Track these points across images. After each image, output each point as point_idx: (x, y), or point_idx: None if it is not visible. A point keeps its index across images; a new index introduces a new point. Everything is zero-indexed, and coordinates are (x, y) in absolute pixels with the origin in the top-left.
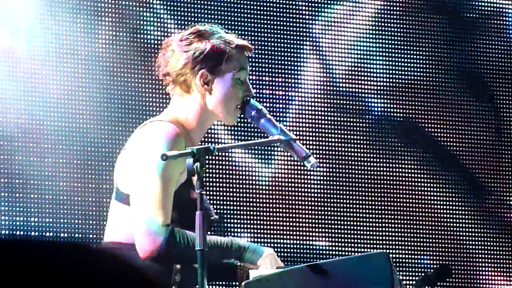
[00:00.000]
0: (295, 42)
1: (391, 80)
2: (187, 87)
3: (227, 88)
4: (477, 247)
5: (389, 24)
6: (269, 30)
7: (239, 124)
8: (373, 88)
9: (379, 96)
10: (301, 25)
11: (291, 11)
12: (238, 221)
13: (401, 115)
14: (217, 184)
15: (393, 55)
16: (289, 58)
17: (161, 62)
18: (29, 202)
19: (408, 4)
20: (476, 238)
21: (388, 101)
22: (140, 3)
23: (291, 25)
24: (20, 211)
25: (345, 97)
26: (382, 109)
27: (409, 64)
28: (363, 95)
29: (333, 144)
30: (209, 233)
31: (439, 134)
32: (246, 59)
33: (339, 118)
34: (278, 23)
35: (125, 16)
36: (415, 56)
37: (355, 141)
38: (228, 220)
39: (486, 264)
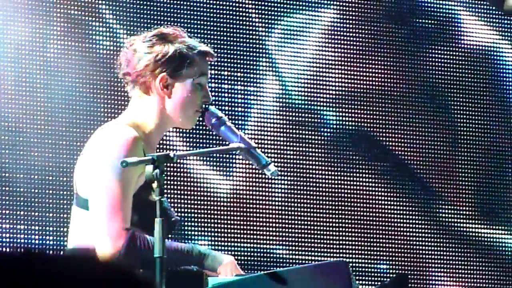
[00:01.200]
0: (250, 57)
1: (344, 92)
2: (146, 88)
3: (186, 93)
4: (432, 254)
5: (342, 35)
6: (221, 44)
7: (198, 132)
8: (327, 100)
9: (333, 108)
10: (255, 39)
11: (243, 23)
12: (197, 227)
13: (355, 126)
14: (176, 191)
15: (347, 66)
16: (243, 74)
17: (122, 61)
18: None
19: (362, 14)
20: (431, 246)
21: (342, 112)
22: (88, 12)
23: (245, 39)
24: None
25: (300, 111)
26: (337, 120)
27: (362, 75)
28: (318, 108)
29: (290, 153)
30: (170, 238)
31: (393, 144)
32: (208, 65)
33: (295, 130)
34: (231, 37)
35: (74, 25)
36: (368, 67)
37: (311, 151)
38: (187, 227)
39: (441, 271)
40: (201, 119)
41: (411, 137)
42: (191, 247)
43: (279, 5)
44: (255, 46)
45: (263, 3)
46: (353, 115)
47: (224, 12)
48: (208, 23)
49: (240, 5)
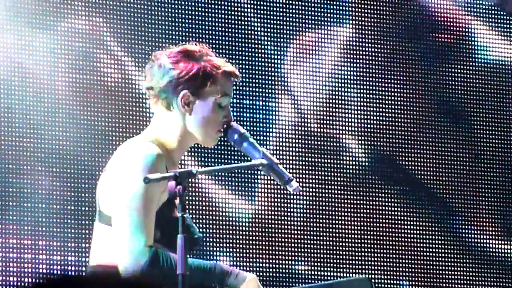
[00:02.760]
0: (271, 73)
1: (364, 116)
2: (168, 104)
3: (207, 112)
4: (453, 272)
5: (358, 53)
6: (241, 60)
7: (220, 148)
8: (346, 126)
9: (351, 132)
10: (268, 64)
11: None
12: (219, 245)
13: (376, 150)
14: (198, 207)
15: (365, 89)
16: (265, 89)
17: (147, 74)
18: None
19: (378, 33)
20: (453, 264)
21: (361, 132)
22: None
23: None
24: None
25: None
26: (355, 143)
27: (382, 99)
28: (336, 133)
29: (312, 169)
30: (192, 255)
31: (413, 163)
32: (231, 85)
33: (317, 145)
34: (252, 54)
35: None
36: (388, 90)
37: (334, 166)
38: (209, 243)
39: None
40: (222, 135)
41: (430, 156)
42: (214, 265)
43: (301, 19)
44: (276, 62)
45: (283, 19)
46: (371, 139)
47: (243, 29)
48: (225, 38)
49: (262, 21)
